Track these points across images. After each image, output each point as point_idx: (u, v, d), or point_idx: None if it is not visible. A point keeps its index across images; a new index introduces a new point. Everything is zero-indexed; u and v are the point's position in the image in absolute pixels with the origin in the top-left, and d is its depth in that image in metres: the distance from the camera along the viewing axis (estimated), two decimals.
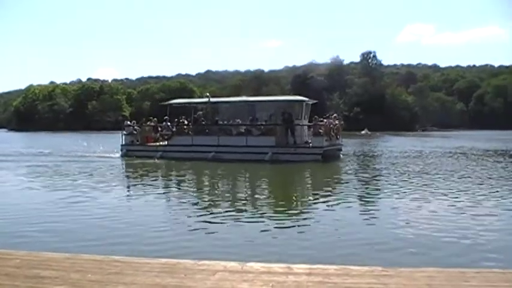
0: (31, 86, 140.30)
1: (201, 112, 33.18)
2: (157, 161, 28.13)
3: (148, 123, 34.09)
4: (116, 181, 19.64)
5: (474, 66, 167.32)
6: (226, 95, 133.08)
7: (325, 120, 29.21)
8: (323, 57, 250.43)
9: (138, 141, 32.14)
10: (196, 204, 14.35)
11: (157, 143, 31.60)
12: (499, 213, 12.29)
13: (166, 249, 8.45)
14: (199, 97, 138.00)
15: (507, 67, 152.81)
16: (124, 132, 32.62)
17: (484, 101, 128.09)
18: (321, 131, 28.06)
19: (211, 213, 12.45)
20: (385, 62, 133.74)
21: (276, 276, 4.76)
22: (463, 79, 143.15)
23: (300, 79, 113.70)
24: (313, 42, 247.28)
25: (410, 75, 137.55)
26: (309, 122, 30.35)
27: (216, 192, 17.75)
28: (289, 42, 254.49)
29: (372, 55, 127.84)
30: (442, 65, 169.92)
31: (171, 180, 21.65)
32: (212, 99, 32.13)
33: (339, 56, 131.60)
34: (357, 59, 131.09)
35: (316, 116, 29.38)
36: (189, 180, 21.55)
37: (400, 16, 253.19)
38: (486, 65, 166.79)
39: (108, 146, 35.98)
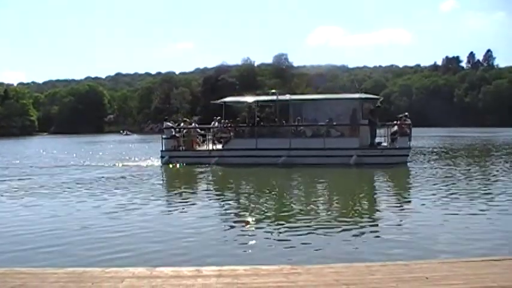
0: None
1: (269, 110, 30.91)
2: (215, 167, 24.81)
3: (183, 124, 30.07)
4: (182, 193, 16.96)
5: (380, 66, 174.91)
6: (137, 97, 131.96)
7: (408, 120, 26.67)
8: (234, 58, 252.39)
9: (181, 145, 28.25)
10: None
11: (209, 148, 27.70)
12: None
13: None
14: (109, 100, 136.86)
15: (411, 67, 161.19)
16: (164, 135, 28.16)
17: (391, 100, 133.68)
18: (407, 130, 25.96)
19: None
20: (295, 64, 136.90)
21: (185, 279, 4.78)
22: (370, 79, 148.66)
23: (211, 81, 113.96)
24: (224, 43, 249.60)
25: (319, 75, 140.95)
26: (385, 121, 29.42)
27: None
28: (201, 43, 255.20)
29: (284, 57, 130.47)
30: (350, 65, 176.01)
31: (250, 189, 18.29)
32: (280, 97, 28.60)
33: (250, 58, 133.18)
34: (269, 61, 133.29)
35: (400, 115, 27.31)
36: (294, 188, 18.39)
37: (310, 18, 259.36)
38: (391, 65, 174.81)
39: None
